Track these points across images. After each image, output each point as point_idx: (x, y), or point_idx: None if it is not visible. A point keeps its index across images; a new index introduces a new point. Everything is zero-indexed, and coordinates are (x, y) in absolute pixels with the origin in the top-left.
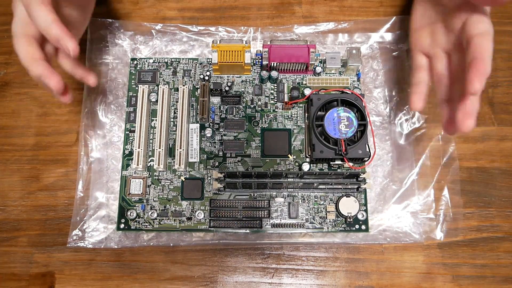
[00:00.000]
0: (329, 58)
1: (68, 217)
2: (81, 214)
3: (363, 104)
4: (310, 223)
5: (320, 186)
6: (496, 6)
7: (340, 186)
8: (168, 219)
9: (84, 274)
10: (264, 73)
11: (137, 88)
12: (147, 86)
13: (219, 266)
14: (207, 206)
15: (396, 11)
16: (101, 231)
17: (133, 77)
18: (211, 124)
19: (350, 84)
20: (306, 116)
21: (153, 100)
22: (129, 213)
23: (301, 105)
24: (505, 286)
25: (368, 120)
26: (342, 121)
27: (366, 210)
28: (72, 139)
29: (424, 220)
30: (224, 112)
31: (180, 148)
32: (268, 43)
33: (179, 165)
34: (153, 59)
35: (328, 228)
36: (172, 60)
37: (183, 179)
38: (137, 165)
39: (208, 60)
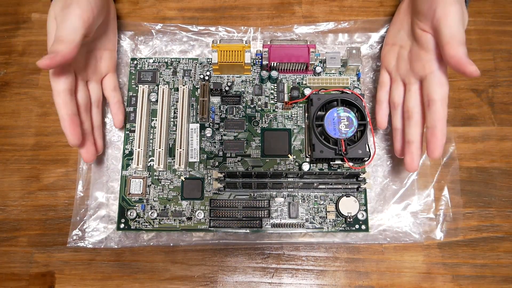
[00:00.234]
0: (329, 58)
1: (68, 217)
2: (81, 214)
3: (363, 104)
4: (310, 223)
5: (320, 186)
6: (467, 77)
7: (340, 186)
8: (168, 219)
9: (84, 274)
10: (264, 73)
11: (137, 88)
12: (147, 86)
13: (219, 266)
14: (207, 206)
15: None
16: (101, 231)
17: (133, 77)
18: (211, 124)
19: (350, 84)
20: (306, 116)
21: (153, 100)
22: (129, 213)
23: (301, 105)
24: (505, 286)
25: (368, 120)
26: (342, 121)
27: (366, 210)
28: None
29: (424, 220)
30: (224, 112)
31: (180, 148)
32: (268, 43)
33: (179, 165)
34: (153, 59)
35: (328, 228)
36: (172, 60)
37: (183, 179)
38: (137, 165)
39: (208, 60)
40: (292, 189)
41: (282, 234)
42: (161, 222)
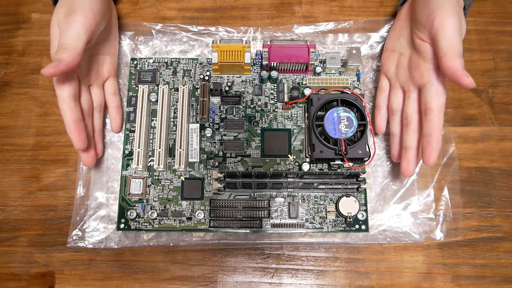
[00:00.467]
0: (329, 58)
1: (68, 217)
2: (81, 214)
3: (363, 104)
4: (310, 223)
5: (320, 186)
6: (463, 88)
7: (340, 186)
8: (168, 219)
9: (84, 274)
10: (264, 73)
11: (137, 88)
12: (147, 86)
13: (219, 266)
14: (207, 206)
15: (396, 11)
16: (101, 231)
17: (133, 77)
18: (211, 124)
19: (350, 84)
20: (306, 116)
21: (153, 100)
22: (129, 213)
23: (301, 105)
24: (505, 286)
25: (368, 120)
26: (342, 121)
27: (366, 210)
28: None
29: (424, 220)
30: (224, 112)
31: (180, 148)
32: (268, 43)
33: (179, 165)
34: (153, 59)
35: (328, 228)
36: (172, 60)
37: (183, 179)
38: (137, 165)
39: (208, 60)
40: (292, 189)
41: (282, 234)
42: (161, 222)
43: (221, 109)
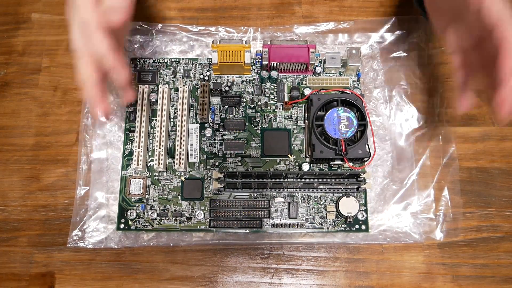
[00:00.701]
0: (329, 58)
1: (68, 217)
2: (81, 214)
3: (363, 104)
4: (310, 223)
5: (320, 186)
6: None
7: (340, 186)
8: (168, 219)
9: (84, 274)
10: (264, 73)
11: (137, 88)
12: (147, 86)
13: (219, 266)
14: (207, 206)
15: (396, 11)
16: (101, 231)
17: (133, 77)
18: (211, 124)
19: (350, 84)
20: (306, 116)
21: (153, 100)
22: (129, 213)
23: (301, 105)
24: (505, 286)
25: (368, 120)
26: (342, 121)
27: (366, 210)
28: (72, 139)
29: (424, 220)
30: (224, 112)
31: (180, 148)
32: (268, 43)
33: (179, 165)
34: (153, 59)
35: (328, 228)
36: (172, 60)
37: (183, 179)
38: (137, 165)
39: (208, 60)
40: (292, 189)
41: (282, 234)
42: (161, 222)
43: (221, 109)
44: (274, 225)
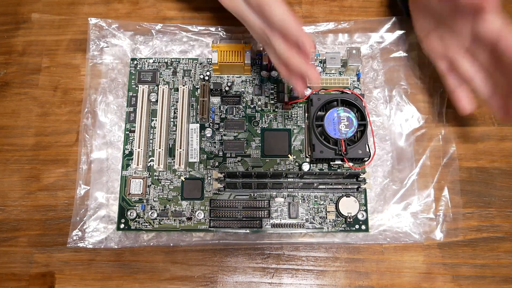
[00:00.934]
0: (329, 58)
1: (68, 217)
2: (81, 214)
3: (363, 104)
4: (310, 223)
5: (320, 186)
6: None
7: (340, 186)
8: (168, 219)
9: (84, 274)
10: (264, 73)
11: (137, 88)
12: (147, 86)
13: (219, 266)
14: (207, 206)
15: (396, 11)
16: (101, 231)
17: (133, 77)
18: (211, 124)
19: (350, 84)
20: (306, 116)
21: (153, 100)
22: (129, 213)
23: (301, 105)
24: (505, 286)
25: (368, 120)
26: (342, 121)
27: (366, 210)
28: (72, 139)
29: (424, 220)
30: (224, 112)
31: (180, 148)
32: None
33: (179, 165)
34: (153, 59)
35: (328, 228)
36: (172, 60)
37: (183, 179)
38: (137, 165)
39: (208, 60)
40: (292, 189)
41: (282, 234)
42: (161, 222)
43: (221, 109)
44: (274, 225)
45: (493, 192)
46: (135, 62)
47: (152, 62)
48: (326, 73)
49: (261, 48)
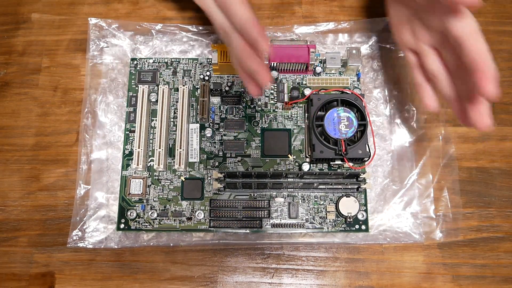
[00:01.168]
0: (329, 58)
1: (68, 217)
2: (81, 214)
3: (363, 104)
4: (310, 223)
5: (320, 186)
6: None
7: (340, 186)
8: (168, 219)
9: (84, 274)
10: None
11: (137, 88)
12: (147, 86)
13: (219, 266)
14: (207, 206)
15: None
16: (101, 231)
17: (133, 77)
18: (211, 124)
19: (350, 84)
20: (306, 116)
21: (153, 100)
22: (129, 213)
23: (301, 105)
24: (505, 286)
25: (368, 120)
26: (342, 121)
27: (366, 210)
28: (72, 139)
29: (424, 220)
30: (224, 112)
31: (180, 148)
32: (268, 43)
33: (179, 165)
34: (153, 59)
35: (328, 228)
36: (172, 60)
37: (183, 179)
38: (137, 165)
39: (208, 60)
40: (292, 189)
41: (282, 234)
42: (161, 222)
43: (221, 109)
44: (274, 225)
45: (493, 192)
46: (135, 62)
47: (152, 62)
48: (326, 73)
49: None
